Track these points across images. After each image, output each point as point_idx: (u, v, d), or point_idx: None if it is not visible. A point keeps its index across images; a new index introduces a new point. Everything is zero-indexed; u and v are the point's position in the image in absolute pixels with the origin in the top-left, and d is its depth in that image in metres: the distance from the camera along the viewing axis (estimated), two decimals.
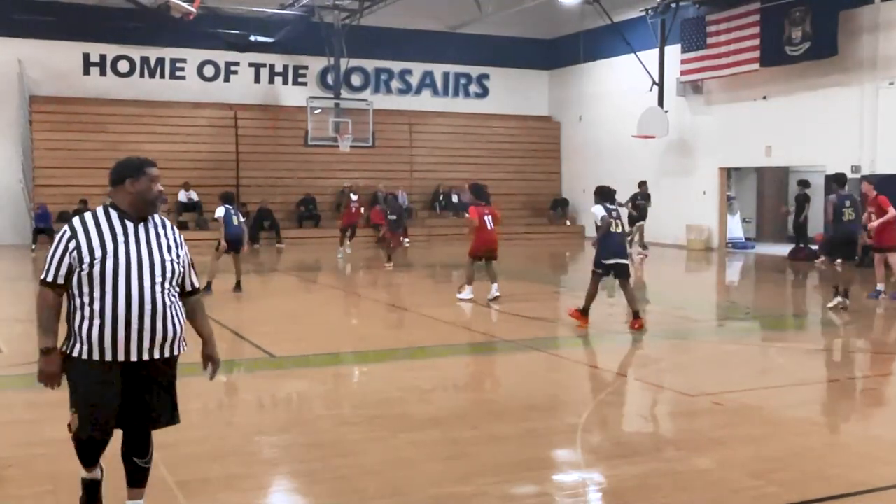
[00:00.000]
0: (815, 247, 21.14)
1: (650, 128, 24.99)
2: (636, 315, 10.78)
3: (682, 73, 24.67)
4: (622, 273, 10.89)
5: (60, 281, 4.01)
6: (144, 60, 26.84)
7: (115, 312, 3.95)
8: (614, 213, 10.95)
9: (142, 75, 26.88)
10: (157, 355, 4.09)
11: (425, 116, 29.75)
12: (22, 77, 25.04)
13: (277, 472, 5.61)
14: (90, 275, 3.95)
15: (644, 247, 22.53)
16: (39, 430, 6.34)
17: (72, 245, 3.99)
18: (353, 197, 22.81)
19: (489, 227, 13.53)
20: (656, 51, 25.18)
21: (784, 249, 22.57)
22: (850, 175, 20.54)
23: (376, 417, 6.85)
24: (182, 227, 24.39)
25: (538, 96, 31.75)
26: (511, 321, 11.90)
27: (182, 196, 25.49)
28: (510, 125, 30.68)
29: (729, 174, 25.47)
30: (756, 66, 22.27)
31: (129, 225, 4.08)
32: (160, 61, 27.03)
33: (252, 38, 26.57)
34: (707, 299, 15.93)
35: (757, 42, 22.17)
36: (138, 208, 4.12)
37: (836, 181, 13.65)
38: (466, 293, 13.43)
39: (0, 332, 11.04)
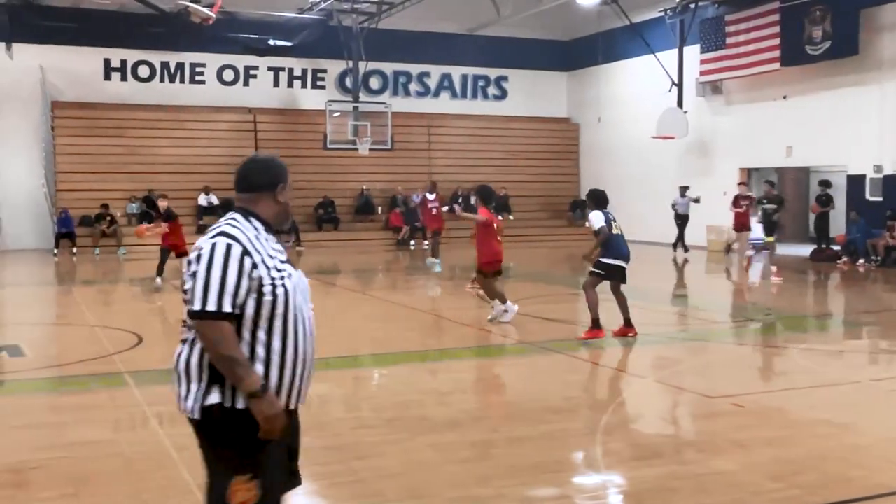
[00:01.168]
0: (837, 247, 20.99)
1: (669, 128, 24.90)
2: (627, 322, 10.32)
3: (702, 73, 24.58)
4: (621, 277, 10.34)
5: (238, 311, 3.08)
6: (164, 65, 27.04)
7: (295, 352, 3.22)
8: (610, 216, 10.32)
9: (162, 80, 27.08)
10: (303, 400, 3.40)
11: (444, 119, 29.78)
12: (44, 83, 25.29)
13: None
14: (273, 303, 3.13)
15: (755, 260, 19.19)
16: (62, 433, 6.40)
17: (248, 263, 3.09)
18: (431, 196, 19.36)
19: (499, 237, 11.59)
20: (675, 51, 25.09)
21: (805, 250, 22.40)
22: (871, 175, 20.53)
23: (395, 420, 6.86)
24: (203, 231, 24.56)
25: (557, 98, 31.70)
26: (530, 323, 11.87)
27: (202, 200, 25.63)
28: (529, 127, 30.65)
29: (749, 175, 25.32)
30: (776, 65, 22.15)
31: (273, 239, 3.31)
32: (180, 66, 27.22)
33: (271, 42, 26.71)
34: (727, 300, 15.84)
35: (777, 42, 22.06)
36: (280, 221, 3.37)
37: None
38: (508, 311, 11.38)
39: (23, 336, 11.15)
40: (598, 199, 10.45)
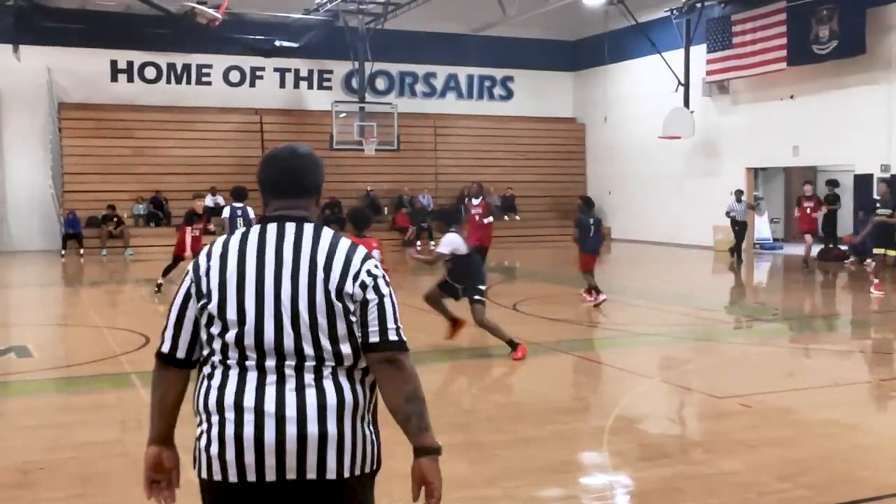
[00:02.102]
0: (844, 247, 20.91)
1: (676, 128, 24.86)
2: (456, 323, 9.86)
3: (708, 73, 24.53)
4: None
5: None
6: (171, 66, 27.07)
7: None
8: (464, 235, 9.87)
9: (168, 81, 27.12)
10: None
11: (450, 119, 29.77)
12: (51, 84, 25.36)
13: None
14: None
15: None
16: (69, 433, 6.41)
17: None
18: (476, 201, 16.06)
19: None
20: (681, 51, 25.05)
21: (813, 250, 22.31)
22: (879, 175, 20.45)
23: None
24: (208, 231, 24.54)
25: (563, 98, 31.67)
26: (536, 323, 11.86)
27: (209, 201, 25.60)
28: (535, 127, 30.61)
29: (756, 174, 25.27)
30: (783, 65, 22.09)
31: None
32: (186, 67, 27.25)
33: (277, 43, 26.71)
34: (735, 300, 15.80)
35: (783, 41, 22.00)
36: None
37: None
38: None
39: (30, 337, 11.18)
40: (450, 219, 10.03)
